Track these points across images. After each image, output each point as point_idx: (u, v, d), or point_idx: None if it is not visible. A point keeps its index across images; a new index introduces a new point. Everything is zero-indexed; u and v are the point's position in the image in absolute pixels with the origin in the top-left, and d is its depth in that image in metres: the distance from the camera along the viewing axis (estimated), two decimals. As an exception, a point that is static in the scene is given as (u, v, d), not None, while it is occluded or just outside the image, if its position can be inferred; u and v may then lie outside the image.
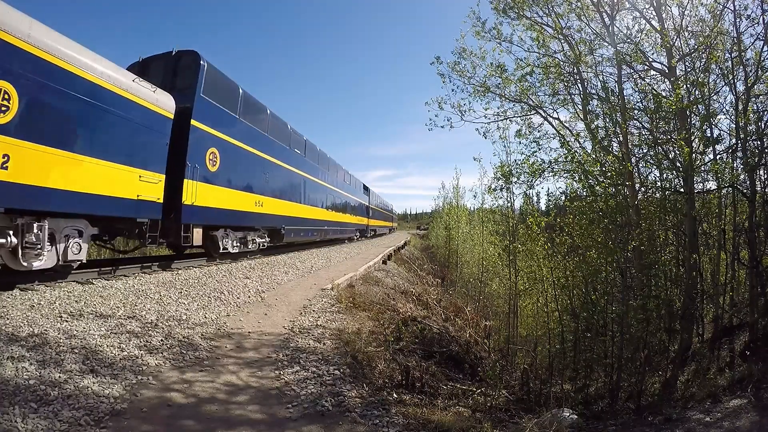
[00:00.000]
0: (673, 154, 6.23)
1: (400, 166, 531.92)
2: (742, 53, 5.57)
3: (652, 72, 6.99)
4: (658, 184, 6.83)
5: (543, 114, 7.70)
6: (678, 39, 6.41)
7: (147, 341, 3.86)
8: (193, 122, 7.31)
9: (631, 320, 5.11)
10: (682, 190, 5.91)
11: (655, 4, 6.30)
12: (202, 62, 7.54)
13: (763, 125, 5.42)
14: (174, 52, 7.89)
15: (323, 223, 16.44)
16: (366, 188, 28.69)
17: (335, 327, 5.14)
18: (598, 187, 5.98)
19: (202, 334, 4.36)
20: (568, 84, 7.47)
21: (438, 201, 44.12)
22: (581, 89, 7.14)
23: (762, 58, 5.42)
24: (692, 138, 5.70)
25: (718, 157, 6.21)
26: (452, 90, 7.64)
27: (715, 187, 6.03)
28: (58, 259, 5.19)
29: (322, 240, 17.81)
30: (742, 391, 3.79)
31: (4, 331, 3.45)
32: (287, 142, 12.28)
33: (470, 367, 5.81)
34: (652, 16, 6.45)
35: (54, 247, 5.10)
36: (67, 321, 3.97)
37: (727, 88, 6.01)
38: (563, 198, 8.18)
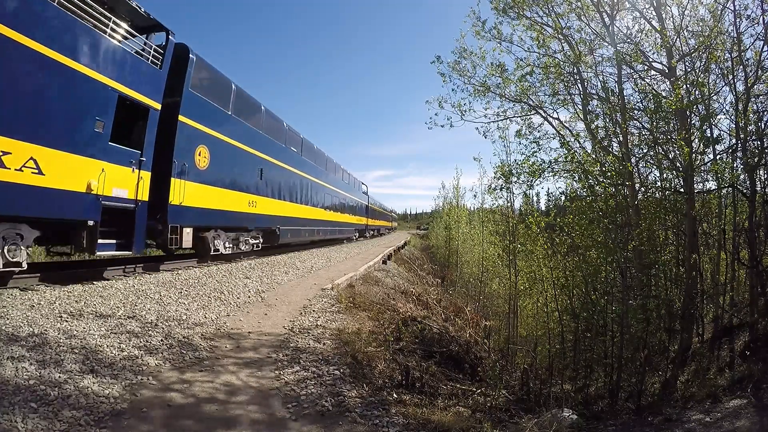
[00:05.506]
0: (673, 154, 6.22)
1: (400, 166, 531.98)
2: (742, 53, 5.56)
3: (652, 72, 6.99)
4: (658, 184, 6.83)
5: (543, 114, 7.71)
6: (678, 39, 6.41)
7: (147, 341, 3.86)
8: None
9: (631, 320, 5.10)
10: (682, 190, 5.91)
11: (655, 4, 6.30)
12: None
13: (763, 125, 5.41)
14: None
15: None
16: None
17: (335, 327, 5.14)
18: (598, 187, 5.98)
19: (201, 334, 4.36)
20: (568, 84, 7.47)
21: (438, 201, 44.10)
22: (581, 89, 7.15)
23: (762, 58, 5.42)
24: (692, 138, 5.69)
25: (718, 157, 6.21)
26: (452, 89, 7.67)
27: (715, 187, 6.03)
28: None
29: (321, 240, 17.90)
30: (742, 391, 3.79)
31: (4, 331, 3.45)
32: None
33: (470, 367, 5.79)
34: (652, 16, 6.45)
35: None
36: (67, 321, 3.97)
37: (727, 88, 6.01)
38: (563, 198, 8.18)
